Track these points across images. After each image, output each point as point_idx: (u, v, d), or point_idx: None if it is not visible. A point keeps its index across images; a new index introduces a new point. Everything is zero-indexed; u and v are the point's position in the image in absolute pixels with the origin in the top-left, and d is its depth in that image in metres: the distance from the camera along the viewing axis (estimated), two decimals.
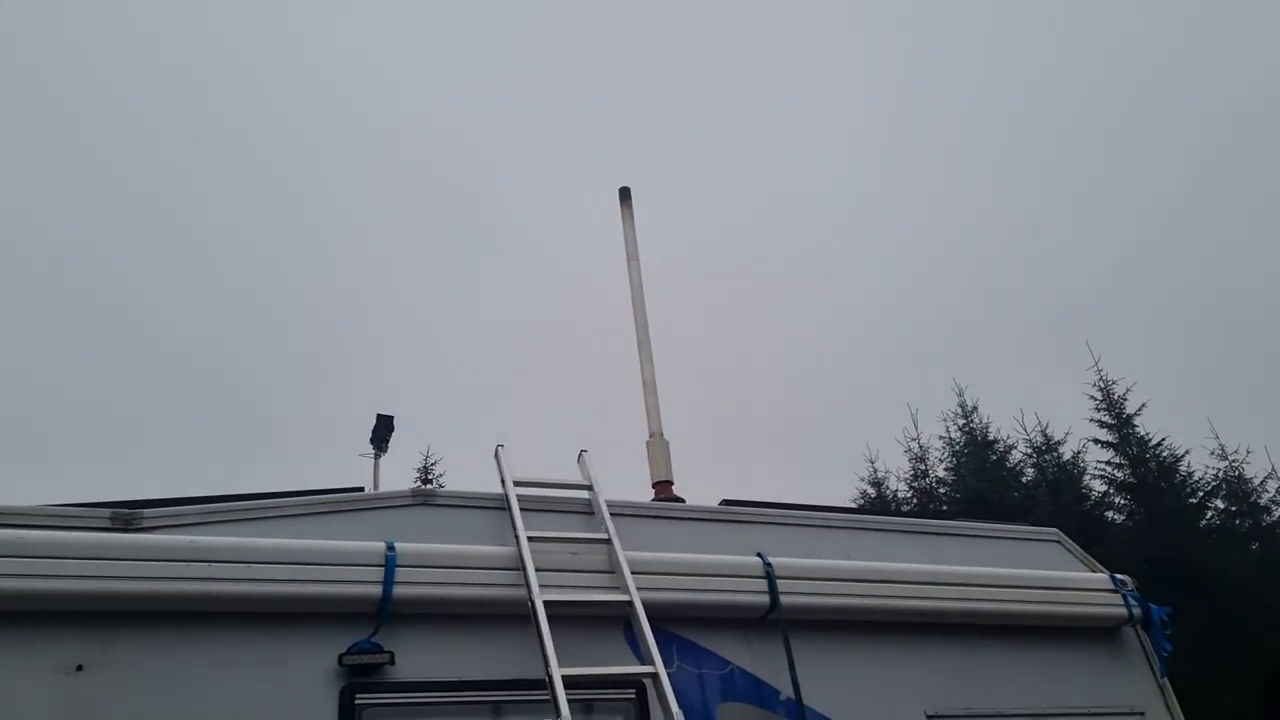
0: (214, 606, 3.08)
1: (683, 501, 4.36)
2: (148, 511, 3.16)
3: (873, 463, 21.21)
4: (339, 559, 3.27)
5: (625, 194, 5.90)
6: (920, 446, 20.29)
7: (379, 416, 6.37)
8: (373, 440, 6.31)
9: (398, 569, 3.33)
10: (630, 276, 5.52)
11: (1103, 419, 18.23)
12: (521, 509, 3.76)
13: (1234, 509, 18.50)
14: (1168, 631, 4.52)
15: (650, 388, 5.07)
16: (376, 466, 6.23)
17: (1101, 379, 18.44)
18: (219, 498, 3.34)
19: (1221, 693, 14.33)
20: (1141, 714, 4.43)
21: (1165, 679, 4.54)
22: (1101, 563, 4.86)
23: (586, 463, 4.22)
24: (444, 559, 3.46)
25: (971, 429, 19.71)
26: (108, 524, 3.08)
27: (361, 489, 3.72)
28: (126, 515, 3.10)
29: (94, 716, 2.83)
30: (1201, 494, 17.86)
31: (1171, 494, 17.32)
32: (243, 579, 3.09)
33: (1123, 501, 18.00)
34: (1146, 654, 4.60)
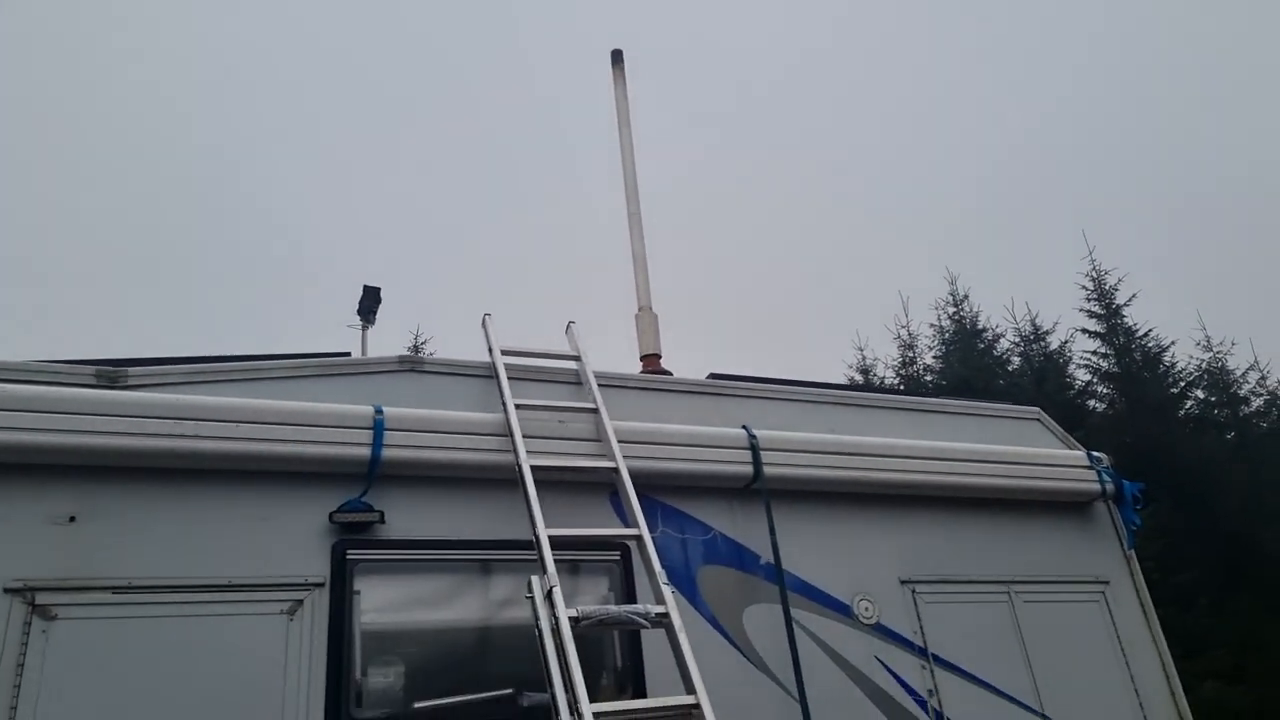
0: (203, 464, 3.12)
1: (670, 375, 4.39)
2: (132, 370, 3.15)
3: (861, 350, 21.36)
4: (327, 421, 3.29)
5: (617, 57, 5.70)
6: (910, 334, 20.40)
7: (365, 288, 6.32)
8: (360, 312, 6.28)
9: (386, 432, 3.36)
10: (621, 143, 5.39)
11: (1092, 309, 18.31)
12: (509, 378, 3.78)
13: (1213, 400, 18.82)
14: (1138, 507, 4.65)
15: (640, 262, 5.03)
16: (364, 339, 6.23)
17: (1095, 269, 18.42)
18: (204, 358, 3.34)
19: (1182, 571, 14.92)
20: (1106, 583, 4.61)
21: (1131, 551, 4.70)
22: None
23: (574, 334, 4.22)
24: (432, 424, 3.49)
25: (961, 317, 19.78)
26: (93, 381, 3.08)
27: (348, 354, 3.72)
28: (111, 373, 3.10)
29: (87, 566, 2.89)
30: (1183, 384, 18.12)
31: (1154, 384, 17.57)
32: (230, 438, 3.12)
33: (1105, 391, 18.27)
34: (1116, 528, 4.76)
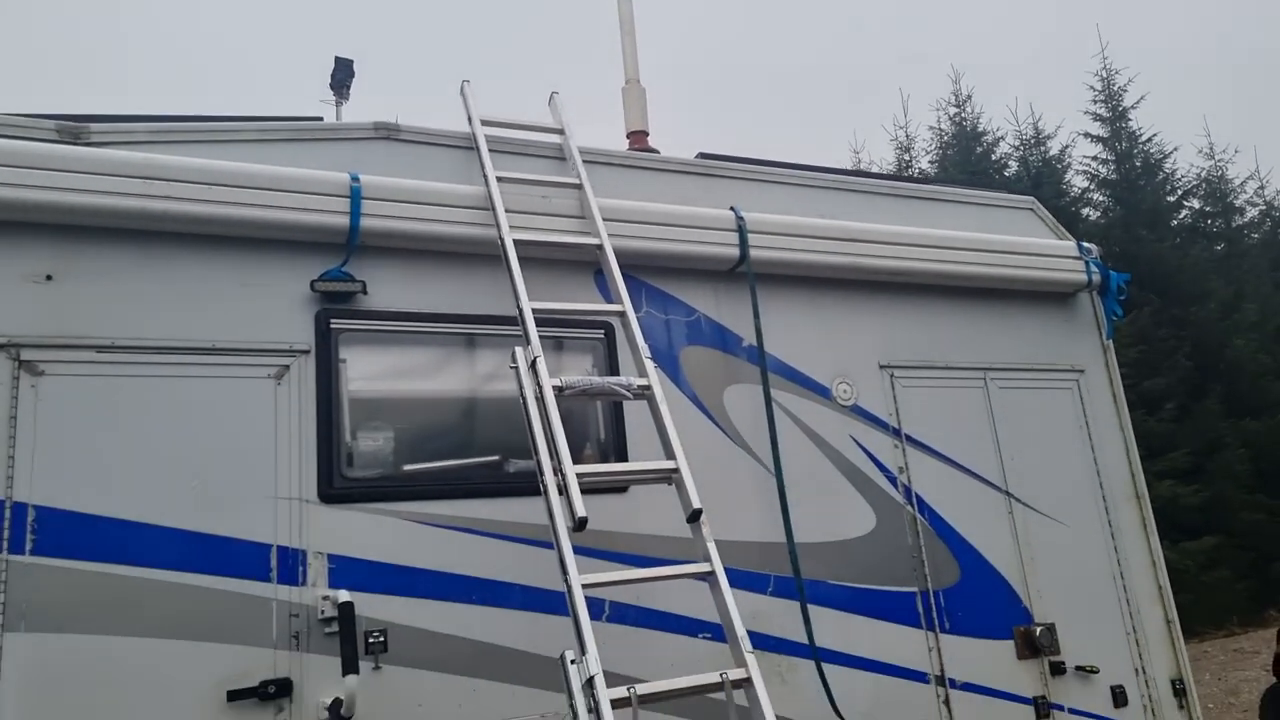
0: (177, 227, 3.06)
1: (657, 153, 4.25)
2: (95, 126, 3.02)
3: (857, 153, 20.91)
4: (302, 187, 3.20)
5: None
6: (907, 136, 19.88)
7: (337, 59, 5.94)
8: (332, 86, 5.95)
9: (364, 201, 3.28)
10: None
11: (1098, 111, 17.78)
12: (490, 150, 3.65)
13: (1208, 209, 18.68)
14: (1122, 298, 4.68)
15: (628, 28, 4.74)
16: (339, 115, 5.95)
17: (1105, 67, 17.73)
18: (169, 117, 3.19)
19: (1155, 377, 15.36)
20: (1082, 371, 4.71)
21: (1110, 341, 4.78)
22: None
23: (558, 106, 4.04)
24: (411, 194, 3.40)
25: (962, 120, 19.20)
26: (54, 136, 2.95)
27: (321, 119, 3.56)
28: (73, 129, 2.97)
29: (70, 325, 2.89)
30: (1180, 193, 17.92)
31: (1151, 192, 17.38)
32: (204, 200, 3.03)
33: (1101, 199, 18.08)
34: (1097, 318, 4.81)
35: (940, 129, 19.43)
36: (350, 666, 2.83)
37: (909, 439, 4.21)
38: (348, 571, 3.06)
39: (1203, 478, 15.24)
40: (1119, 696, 4.25)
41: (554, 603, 3.04)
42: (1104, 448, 4.66)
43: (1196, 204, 18.62)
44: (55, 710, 2.63)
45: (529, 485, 3.11)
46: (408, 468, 3.33)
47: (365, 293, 3.31)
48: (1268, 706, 7.65)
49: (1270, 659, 7.99)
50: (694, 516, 3.03)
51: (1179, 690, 4.42)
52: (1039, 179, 17.36)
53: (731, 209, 4.00)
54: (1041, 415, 4.56)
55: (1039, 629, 4.17)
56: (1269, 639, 8.46)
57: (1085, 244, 4.77)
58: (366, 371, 3.34)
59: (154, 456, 2.90)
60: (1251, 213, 19.59)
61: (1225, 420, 16.02)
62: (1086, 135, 17.72)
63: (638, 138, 4.69)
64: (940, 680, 3.91)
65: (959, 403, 4.40)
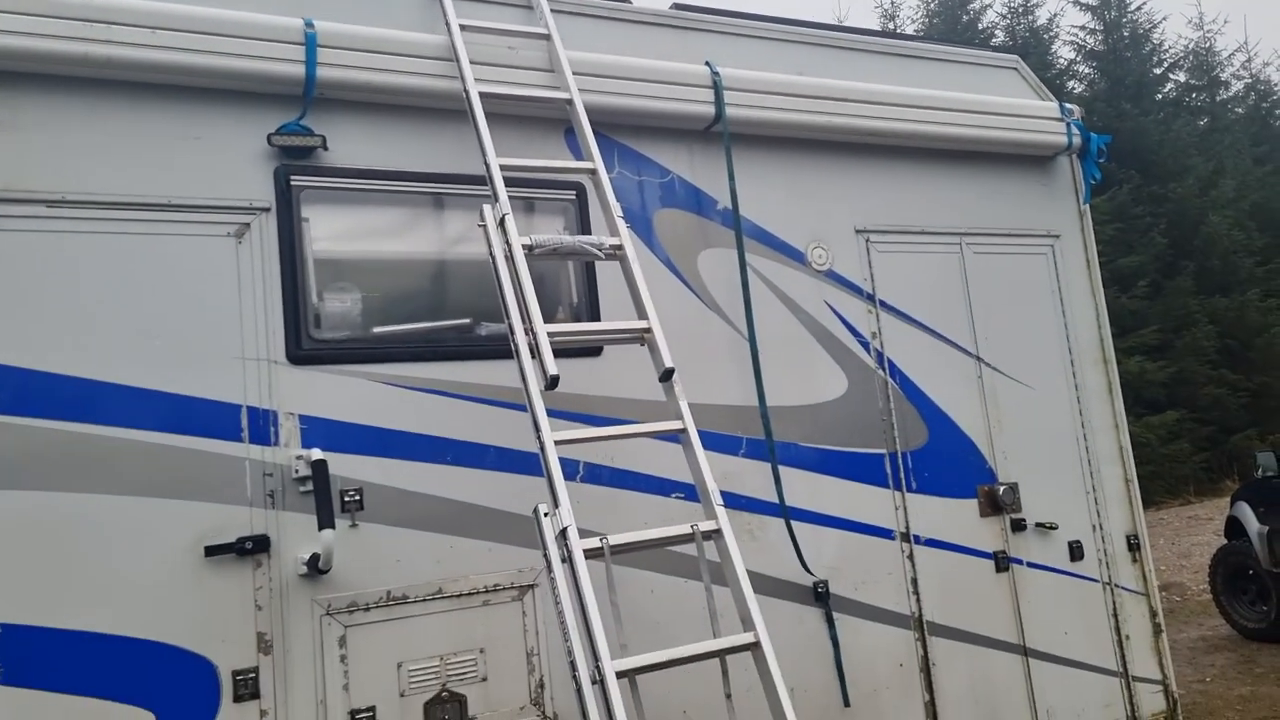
0: (121, 74, 2.89)
1: (630, 3, 4.05)
2: None
3: (840, 20, 20.20)
4: (250, 33, 3.02)
5: None
6: (892, 3, 19.22)
7: None
8: None
9: (320, 49, 3.11)
10: None
11: None
12: None
13: (1194, 82, 18.39)
14: (1101, 160, 4.62)
15: None
16: None
17: None
18: None
19: (1130, 255, 15.44)
20: (1057, 237, 4.69)
21: (1087, 206, 4.74)
22: None
23: None
24: (369, 43, 3.23)
25: None
26: None
27: None
28: None
29: (15, 178, 2.77)
30: (1166, 65, 17.60)
31: (1137, 63, 17.05)
32: (147, 45, 2.86)
33: (1087, 70, 17.73)
34: (1075, 182, 4.75)
35: None
36: (326, 522, 2.85)
37: (883, 304, 4.21)
38: (320, 432, 3.05)
39: (1170, 354, 15.56)
40: (1075, 551, 4.43)
41: (529, 463, 3.06)
42: (1075, 312, 4.69)
43: (1182, 77, 18.33)
44: (33, 566, 2.64)
45: (501, 348, 3.10)
46: (377, 330, 3.29)
47: (326, 148, 3.18)
48: (1217, 567, 8.07)
49: (1223, 524, 8.38)
50: (666, 376, 3.04)
51: (1133, 545, 4.60)
52: (1025, 49, 16.93)
53: (707, 64, 3.85)
54: (1016, 280, 4.56)
55: (1002, 488, 4.28)
56: (1223, 506, 8.82)
57: (1067, 105, 4.67)
58: (331, 231, 3.25)
59: (113, 316, 2.83)
60: (1237, 86, 19.32)
61: (1195, 297, 16.24)
62: (1075, 3, 17.22)
63: None
64: (905, 537, 4.03)
65: (934, 268, 4.38)
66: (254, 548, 2.87)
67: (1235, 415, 16.19)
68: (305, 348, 3.08)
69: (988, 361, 4.42)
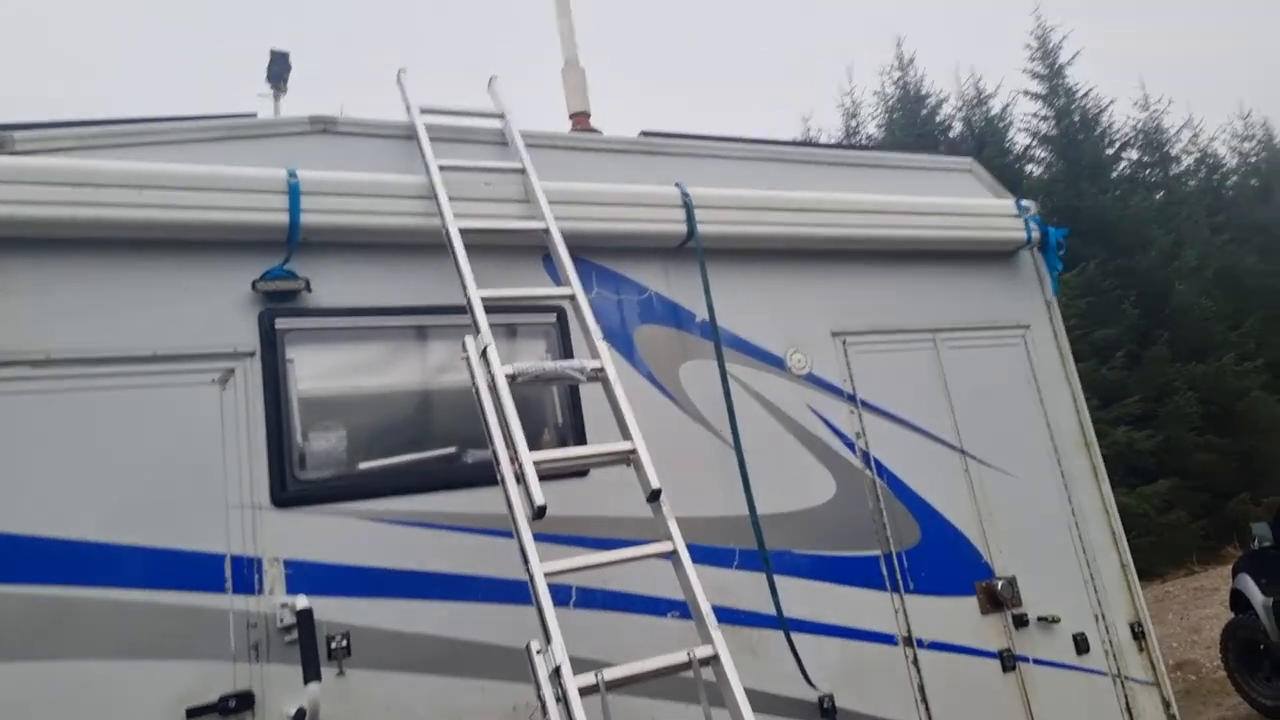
0: (110, 233, 2.97)
1: (600, 134, 4.21)
2: (19, 134, 2.91)
3: (806, 120, 21.02)
4: (237, 186, 3.12)
5: None
6: (854, 102, 20.00)
7: (273, 53, 5.78)
8: (269, 79, 5.79)
9: (303, 196, 3.21)
10: None
11: (1035, 69, 18.04)
12: (431, 139, 3.59)
13: (1146, 159, 19.07)
14: (1061, 252, 4.76)
15: (564, 8, 4.67)
16: (277, 108, 5.81)
17: (1040, 25, 17.96)
18: (97, 121, 3.09)
19: (1104, 327, 15.70)
20: (1027, 327, 4.79)
21: (1054, 296, 4.86)
22: None
23: (497, 90, 3.99)
24: (351, 187, 3.34)
25: (906, 83, 19.37)
26: None
27: (255, 114, 3.47)
28: None
29: (6, 339, 2.80)
30: (1118, 145, 18.28)
31: (1090, 145, 17.69)
32: (134, 205, 2.94)
33: (1043, 154, 18.39)
34: (1039, 274, 4.88)
35: (884, 93, 19.59)
36: (312, 674, 2.78)
37: (864, 404, 4.25)
38: (305, 576, 3.01)
39: (1155, 423, 15.66)
40: (1080, 644, 4.36)
41: (520, 593, 3.01)
42: (1052, 400, 4.75)
43: (1135, 154, 19.01)
44: None
45: (487, 476, 3.09)
46: (363, 465, 3.29)
47: (309, 290, 3.25)
48: (1227, 642, 7.94)
49: (1228, 596, 8.29)
50: (654, 496, 3.04)
51: (1138, 633, 4.54)
52: (983, 138, 17.61)
53: (677, 185, 3.99)
54: (991, 372, 4.63)
55: (1000, 583, 4.25)
56: (1227, 575, 8.74)
57: (1023, 201, 4.84)
58: (315, 370, 3.28)
59: (95, 472, 2.82)
60: (1187, 160, 20.04)
61: (1173, 365, 16.45)
62: (1026, 93, 17.99)
63: (579, 119, 4.65)
64: (908, 641, 3.97)
65: (911, 365, 4.45)
66: (237, 705, 2.78)
67: (1226, 480, 16.20)
68: (290, 489, 3.07)
69: (972, 454, 4.45)
